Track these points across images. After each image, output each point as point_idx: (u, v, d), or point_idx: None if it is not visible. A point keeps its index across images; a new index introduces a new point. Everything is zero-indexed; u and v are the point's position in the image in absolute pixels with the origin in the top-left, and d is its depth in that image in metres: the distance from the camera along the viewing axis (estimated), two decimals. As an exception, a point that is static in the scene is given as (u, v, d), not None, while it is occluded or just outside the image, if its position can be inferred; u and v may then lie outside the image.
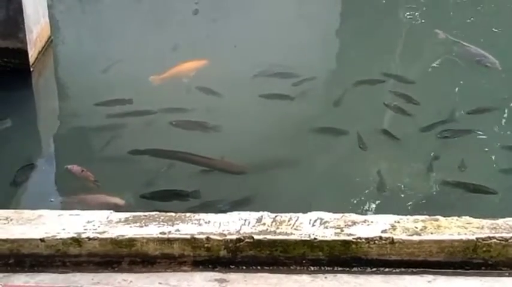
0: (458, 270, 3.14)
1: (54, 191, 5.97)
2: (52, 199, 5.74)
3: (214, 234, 3.13)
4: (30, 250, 3.12)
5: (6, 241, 3.12)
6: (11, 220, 3.24)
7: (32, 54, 7.78)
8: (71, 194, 5.85)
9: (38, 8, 7.97)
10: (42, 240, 3.11)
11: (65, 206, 5.51)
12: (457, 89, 7.62)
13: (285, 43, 8.63)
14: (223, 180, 5.98)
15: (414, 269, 3.13)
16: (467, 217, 3.26)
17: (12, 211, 3.36)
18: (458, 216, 3.27)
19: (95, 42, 8.93)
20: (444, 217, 3.27)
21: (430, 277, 3.11)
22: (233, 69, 7.76)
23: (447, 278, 3.11)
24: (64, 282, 3.05)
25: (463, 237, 3.12)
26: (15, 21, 7.51)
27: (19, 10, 7.46)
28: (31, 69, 7.76)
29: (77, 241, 3.12)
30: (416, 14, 10.01)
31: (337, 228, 3.17)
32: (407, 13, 10.03)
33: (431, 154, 6.28)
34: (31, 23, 7.71)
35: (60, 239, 3.12)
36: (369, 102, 7.18)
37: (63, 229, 3.16)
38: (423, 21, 9.84)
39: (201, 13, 10.02)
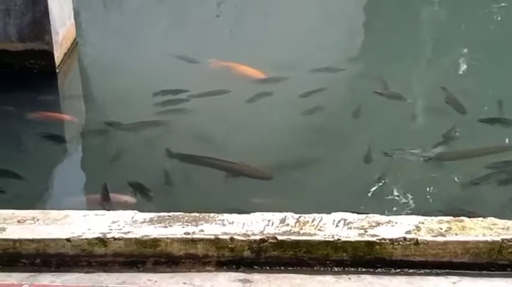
0: (484, 271, 3.11)
1: (72, 192, 6.01)
2: (68, 199, 5.78)
3: (238, 234, 3.14)
4: (57, 249, 3.16)
5: (32, 240, 3.15)
6: (38, 220, 3.28)
7: (58, 56, 7.85)
8: (84, 194, 5.91)
9: (64, 9, 8.05)
10: (68, 240, 3.14)
11: (77, 206, 5.56)
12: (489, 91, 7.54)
13: (308, 43, 8.65)
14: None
15: (439, 271, 3.11)
16: (493, 218, 3.23)
17: (39, 211, 3.40)
18: (484, 217, 3.25)
19: (119, 44, 9.00)
20: (469, 217, 3.25)
21: (454, 278, 3.09)
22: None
23: (472, 280, 3.08)
24: (90, 282, 3.07)
25: (488, 238, 3.10)
26: (41, 23, 7.58)
27: (45, 12, 7.54)
28: (57, 70, 7.83)
29: (102, 241, 3.14)
30: (442, 9, 9.96)
31: (361, 229, 3.16)
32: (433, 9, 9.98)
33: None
34: (57, 25, 7.78)
35: (86, 239, 3.15)
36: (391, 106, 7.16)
37: (89, 229, 3.19)
38: (450, 17, 9.78)
39: (224, 13, 10.06)
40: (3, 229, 3.20)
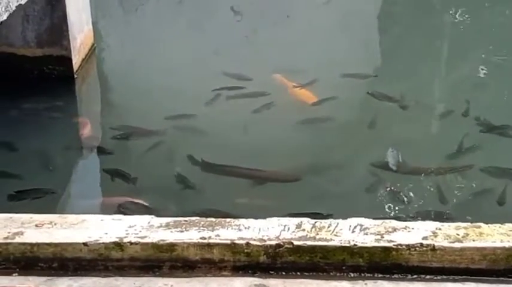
0: (501, 278, 3.09)
1: (89, 197, 6.04)
2: (85, 204, 5.81)
3: (254, 239, 3.14)
4: (74, 254, 3.18)
5: (50, 244, 3.18)
6: (55, 224, 3.30)
7: (76, 61, 7.91)
8: (99, 196, 5.94)
9: (82, 15, 8.11)
10: (85, 244, 3.16)
11: (93, 209, 5.59)
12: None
13: (325, 51, 8.66)
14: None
15: (456, 277, 3.09)
16: (510, 224, 3.21)
17: (57, 215, 3.42)
18: (501, 223, 3.23)
19: (137, 49, 9.04)
20: (486, 223, 3.23)
21: (472, 285, 3.07)
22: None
23: (490, 286, 3.06)
24: (106, 286, 3.09)
25: (506, 244, 3.07)
26: (60, 28, 7.65)
27: (63, 18, 7.60)
28: (75, 76, 7.89)
29: (119, 245, 3.16)
30: (460, 17, 9.92)
31: (378, 234, 3.15)
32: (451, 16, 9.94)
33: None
34: (75, 30, 7.84)
35: (103, 243, 3.16)
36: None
37: (106, 234, 3.21)
38: (468, 24, 9.72)
39: (242, 18, 10.08)
40: (21, 233, 3.23)
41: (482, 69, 8.30)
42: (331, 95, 7.36)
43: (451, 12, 10.12)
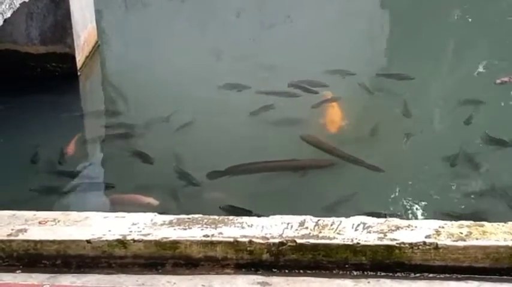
0: (504, 276, 3.09)
1: (93, 194, 6.05)
2: (88, 201, 5.82)
3: (257, 237, 3.14)
4: (77, 251, 3.18)
5: (53, 242, 3.18)
6: (59, 221, 3.31)
7: (80, 59, 7.92)
8: (108, 195, 5.96)
9: (86, 13, 8.11)
10: (88, 241, 3.17)
11: (101, 206, 5.61)
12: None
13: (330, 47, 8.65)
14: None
15: (459, 275, 3.09)
16: (514, 223, 3.21)
17: (60, 212, 3.43)
18: (505, 222, 3.22)
19: (141, 46, 9.05)
20: (490, 222, 3.22)
21: (475, 284, 3.06)
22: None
23: (493, 285, 3.06)
24: (109, 283, 3.09)
25: (509, 243, 3.07)
26: (63, 26, 7.66)
27: (67, 16, 7.62)
28: (78, 73, 7.90)
29: (122, 242, 3.16)
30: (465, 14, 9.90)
31: (380, 233, 3.15)
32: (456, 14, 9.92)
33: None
34: (78, 28, 7.85)
35: (106, 240, 3.17)
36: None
37: (109, 231, 3.21)
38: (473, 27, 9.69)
39: (244, 15, 10.08)
40: (25, 230, 3.23)
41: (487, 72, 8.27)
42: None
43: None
